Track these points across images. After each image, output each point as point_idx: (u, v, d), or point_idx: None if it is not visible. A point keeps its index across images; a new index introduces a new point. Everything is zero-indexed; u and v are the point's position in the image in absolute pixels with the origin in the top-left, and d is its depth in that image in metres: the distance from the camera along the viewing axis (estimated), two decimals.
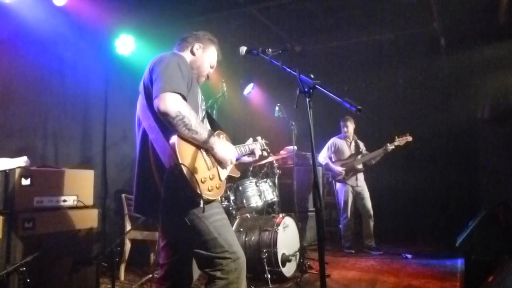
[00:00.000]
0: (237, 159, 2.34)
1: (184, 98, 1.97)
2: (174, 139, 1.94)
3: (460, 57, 6.73)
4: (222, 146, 2.13)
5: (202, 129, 2.00)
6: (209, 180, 2.03)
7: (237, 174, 2.38)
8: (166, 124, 1.95)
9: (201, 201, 1.93)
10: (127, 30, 5.03)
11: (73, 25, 4.40)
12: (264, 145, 2.77)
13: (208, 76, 2.42)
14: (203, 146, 2.05)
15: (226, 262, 2.03)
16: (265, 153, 2.82)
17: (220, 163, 2.15)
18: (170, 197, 1.93)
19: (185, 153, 1.95)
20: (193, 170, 1.93)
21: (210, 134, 2.06)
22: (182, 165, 1.88)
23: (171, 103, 1.89)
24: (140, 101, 2.18)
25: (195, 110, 2.09)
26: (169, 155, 1.95)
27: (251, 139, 2.67)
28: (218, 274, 2.02)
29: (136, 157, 2.17)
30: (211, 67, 2.42)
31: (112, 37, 4.98)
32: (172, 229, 2.18)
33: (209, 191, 2.00)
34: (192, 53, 2.34)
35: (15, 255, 2.78)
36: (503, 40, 6.32)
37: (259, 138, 2.76)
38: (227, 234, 2.09)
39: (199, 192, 1.90)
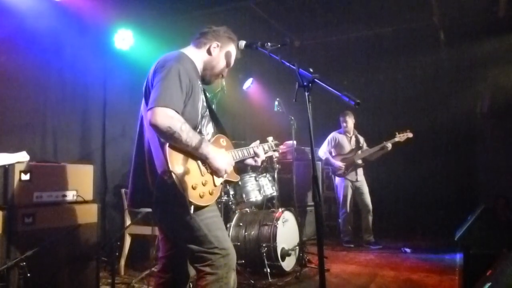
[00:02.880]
0: (236, 162, 2.34)
1: (178, 111, 1.95)
2: (167, 145, 1.95)
3: (460, 51, 6.72)
4: (217, 155, 2.10)
5: (194, 142, 1.98)
6: (201, 186, 2.03)
7: (235, 179, 2.36)
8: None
9: (191, 207, 1.94)
10: (126, 24, 5.00)
11: (71, 20, 4.38)
12: (274, 146, 2.69)
13: (222, 75, 2.38)
14: (197, 156, 2.05)
15: (216, 257, 2.05)
16: (276, 154, 2.80)
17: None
18: (162, 199, 1.98)
19: (176, 159, 1.96)
20: (183, 177, 1.94)
21: (203, 145, 2.03)
22: (172, 172, 1.90)
23: (161, 118, 1.88)
24: (144, 99, 2.19)
25: (194, 118, 2.09)
26: (161, 160, 1.96)
27: (258, 142, 2.61)
28: (208, 269, 2.05)
29: (133, 151, 2.20)
30: (227, 66, 2.37)
31: (110, 32, 4.96)
32: (166, 225, 2.21)
33: (200, 197, 2.01)
34: (209, 52, 2.27)
35: (15, 250, 2.78)
36: (503, 34, 6.31)
37: (270, 139, 2.69)
38: (217, 231, 2.11)
39: (188, 199, 1.92)
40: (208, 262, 2.06)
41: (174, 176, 1.90)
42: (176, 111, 1.93)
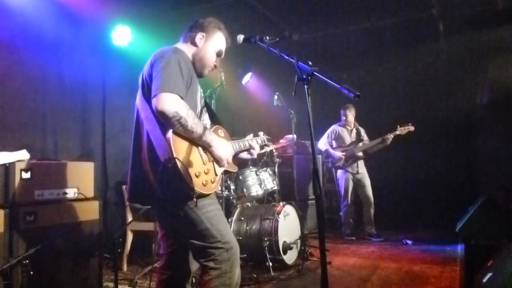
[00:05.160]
0: (234, 155, 2.34)
1: (182, 98, 1.96)
2: (170, 133, 1.95)
3: (459, 43, 6.71)
4: (219, 144, 2.12)
5: (199, 128, 2.00)
6: (204, 174, 2.04)
7: (234, 169, 2.36)
8: (163, 122, 1.96)
9: (195, 195, 1.93)
10: (123, 21, 4.99)
11: (68, 18, 4.37)
12: (266, 140, 2.71)
13: (215, 66, 2.35)
14: (200, 143, 2.06)
15: (219, 252, 2.05)
16: (266, 148, 2.80)
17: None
18: (164, 190, 1.95)
19: (180, 147, 1.96)
20: (187, 164, 1.94)
21: (207, 133, 2.06)
22: (176, 159, 1.89)
23: (168, 103, 1.89)
24: (139, 91, 2.18)
25: (194, 108, 2.09)
26: (164, 148, 1.96)
27: (251, 135, 2.62)
28: (211, 264, 2.05)
29: (131, 146, 2.18)
30: (218, 56, 2.34)
31: (108, 29, 4.94)
32: (167, 220, 2.21)
33: (204, 185, 2.01)
34: (194, 44, 2.27)
35: (17, 248, 2.79)
36: (502, 25, 6.29)
37: (261, 133, 2.72)
38: (220, 224, 2.10)
39: (192, 187, 1.91)
40: (211, 257, 2.05)
41: (178, 163, 1.89)
42: (181, 97, 1.94)
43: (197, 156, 2.05)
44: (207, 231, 2.04)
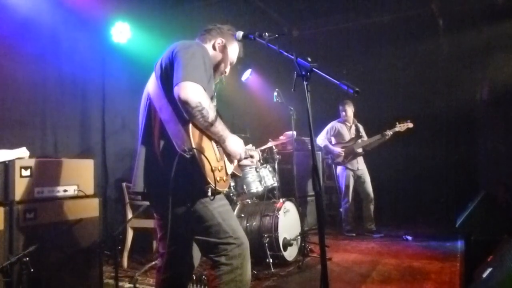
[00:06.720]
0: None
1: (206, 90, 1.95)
2: (188, 123, 1.93)
3: (459, 38, 6.68)
4: (234, 139, 2.14)
5: (218, 122, 2.00)
6: (218, 171, 2.01)
7: (239, 173, 2.37)
8: (184, 112, 1.92)
9: (209, 190, 1.91)
10: (123, 17, 4.98)
11: (67, 15, 4.37)
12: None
13: (225, 72, 2.38)
14: (215, 138, 2.05)
15: (231, 247, 2.03)
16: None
17: (228, 156, 2.15)
18: (180, 182, 1.89)
19: (199, 138, 1.95)
20: (205, 157, 1.91)
21: (224, 128, 2.06)
22: (195, 150, 1.86)
23: (192, 92, 1.87)
24: (154, 80, 2.13)
25: None
26: (182, 138, 1.92)
27: (250, 145, 2.61)
28: (223, 259, 2.03)
29: (140, 133, 2.14)
30: (230, 64, 2.38)
31: (107, 25, 4.94)
32: (175, 216, 2.13)
33: (217, 181, 1.97)
34: (214, 48, 2.30)
35: (17, 245, 2.79)
36: (502, 20, 6.27)
37: (251, 146, 2.71)
38: (231, 219, 2.09)
39: (209, 180, 1.89)
40: (223, 252, 2.02)
41: (196, 153, 1.87)
42: (204, 89, 1.93)
43: (212, 151, 2.03)
44: (219, 226, 2.02)
